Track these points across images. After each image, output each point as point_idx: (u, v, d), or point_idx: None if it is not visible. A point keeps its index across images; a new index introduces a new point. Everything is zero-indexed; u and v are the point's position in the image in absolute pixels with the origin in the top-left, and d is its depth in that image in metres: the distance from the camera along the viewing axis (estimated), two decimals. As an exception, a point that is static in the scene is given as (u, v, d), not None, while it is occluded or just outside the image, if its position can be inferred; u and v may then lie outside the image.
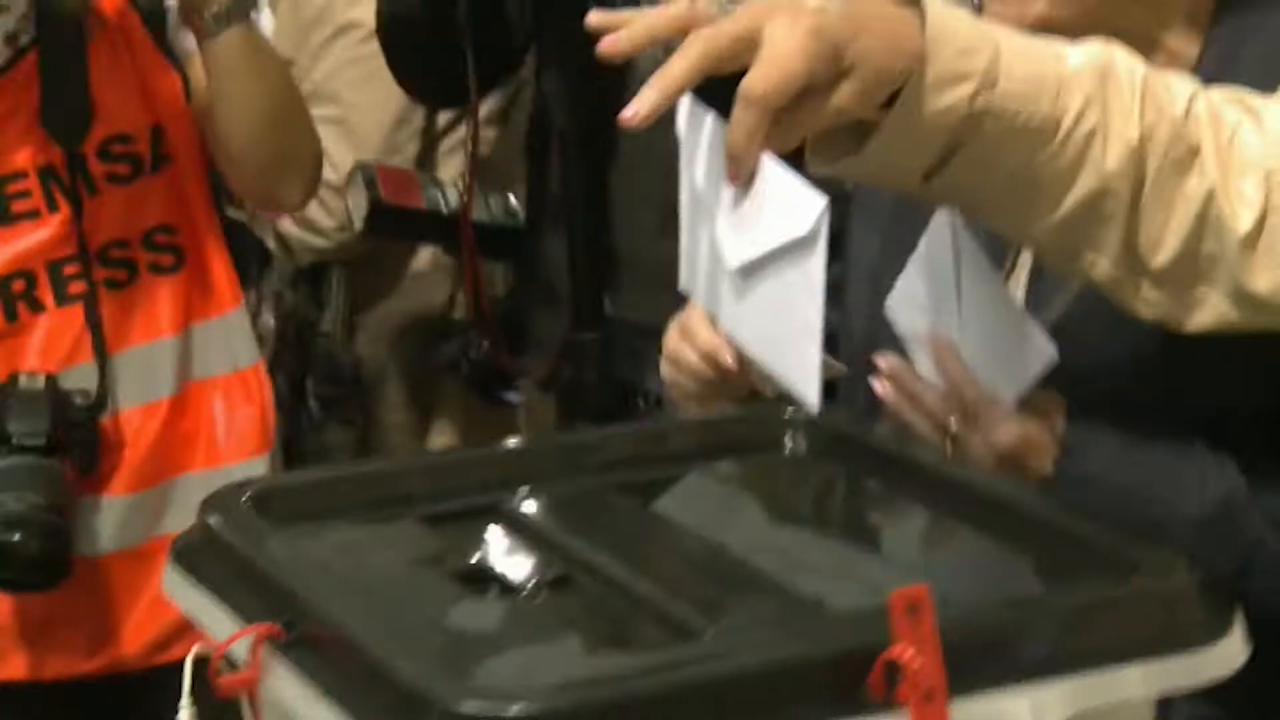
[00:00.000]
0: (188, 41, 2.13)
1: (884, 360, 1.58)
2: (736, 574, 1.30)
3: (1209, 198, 1.35)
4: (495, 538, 1.38)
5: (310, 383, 2.66)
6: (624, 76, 2.27)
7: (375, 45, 2.54)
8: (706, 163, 1.32)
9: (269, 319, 2.77)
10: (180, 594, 1.34)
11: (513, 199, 2.61)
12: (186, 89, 2.16)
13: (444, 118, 2.76)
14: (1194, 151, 1.36)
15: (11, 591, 2.05)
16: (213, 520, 1.35)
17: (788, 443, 1.56)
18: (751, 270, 1.30)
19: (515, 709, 1.04)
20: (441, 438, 2.85)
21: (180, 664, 2.06)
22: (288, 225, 2.57)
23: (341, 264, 2.75)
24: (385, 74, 2.51)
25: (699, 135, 1.33)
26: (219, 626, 1.26)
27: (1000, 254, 1.63)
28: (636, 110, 1.22)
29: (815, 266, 1.24)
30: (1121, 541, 1.29)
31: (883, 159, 1.30)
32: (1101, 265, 1.38)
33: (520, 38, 2.40)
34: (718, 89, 1.27)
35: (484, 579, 1.29)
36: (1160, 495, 1.55)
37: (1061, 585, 1.26)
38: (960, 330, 1.56)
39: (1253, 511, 1.54)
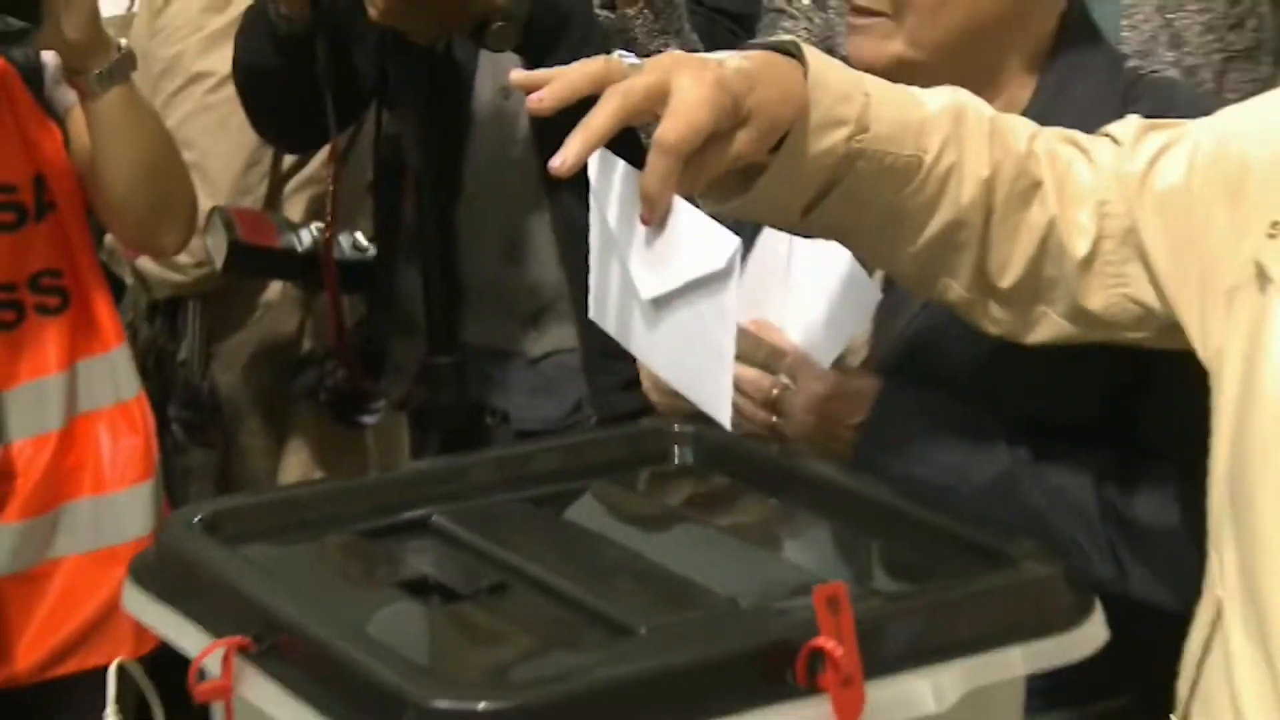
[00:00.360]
0: (65, 96, 2.17)
1: None
2: (654, 576, 1.37)
3: (1050, 227, 1.45)
4: (429, 550, 1.44)
5: (171, 409, 2.66)
6: (463, 119, 2.35)
7: (226, 93, 2.56)
8: (618, 205, 1.37)
9: (124, 350, 2.78)
10: (142, 611, 1.37)
11: (360, 235, 2.66)
12: (66, 141, 2.19)
13: (289, 160, 2.80)
14: (1036, 185, 1.45)
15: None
16: (169, 541, 1.40)
17: (676, 455, 1.63)
18: (664, 302, 1.36)
19: (484, 705, 1.11)
20: (296, 458, 2.89)
21: (71, 678, 2.13)
22: (146, 262, 2.59)
23: (197, 297, 2.77)
24: (236, 120, 2.54)
25: (610, 180, 1.37)
26: (185, 640, 1.31)
27: None
28: (564, 159, 1.29)
29: (728, 298, 1.30)
30: (996, 538, 1.38)
31: (769, 197, 1.38)
32: (955, 289, 1.48)
33: (367, 85, 2.43)
34: (623, 138, 1.34)
35: (427, 588, 1.35)
36: (953, 462, 1.65)
37: (950, 579, 1.32)
38: (789, 297, 1.64)
39: (1033, 483, 1.64)
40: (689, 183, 1.32)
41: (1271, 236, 1.32)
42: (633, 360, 2.34)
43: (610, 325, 1.46)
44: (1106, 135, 1.49)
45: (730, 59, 1.34)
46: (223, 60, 2.58)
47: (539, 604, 1.33)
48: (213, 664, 1.25)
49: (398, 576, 1.37)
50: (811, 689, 1.19)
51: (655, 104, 1.29)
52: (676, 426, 1.65)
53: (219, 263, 2.55)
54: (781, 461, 1.60)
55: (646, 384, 1.79)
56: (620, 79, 1.31)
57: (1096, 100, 1.70)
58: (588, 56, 2.16)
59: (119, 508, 2.26)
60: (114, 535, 2.26)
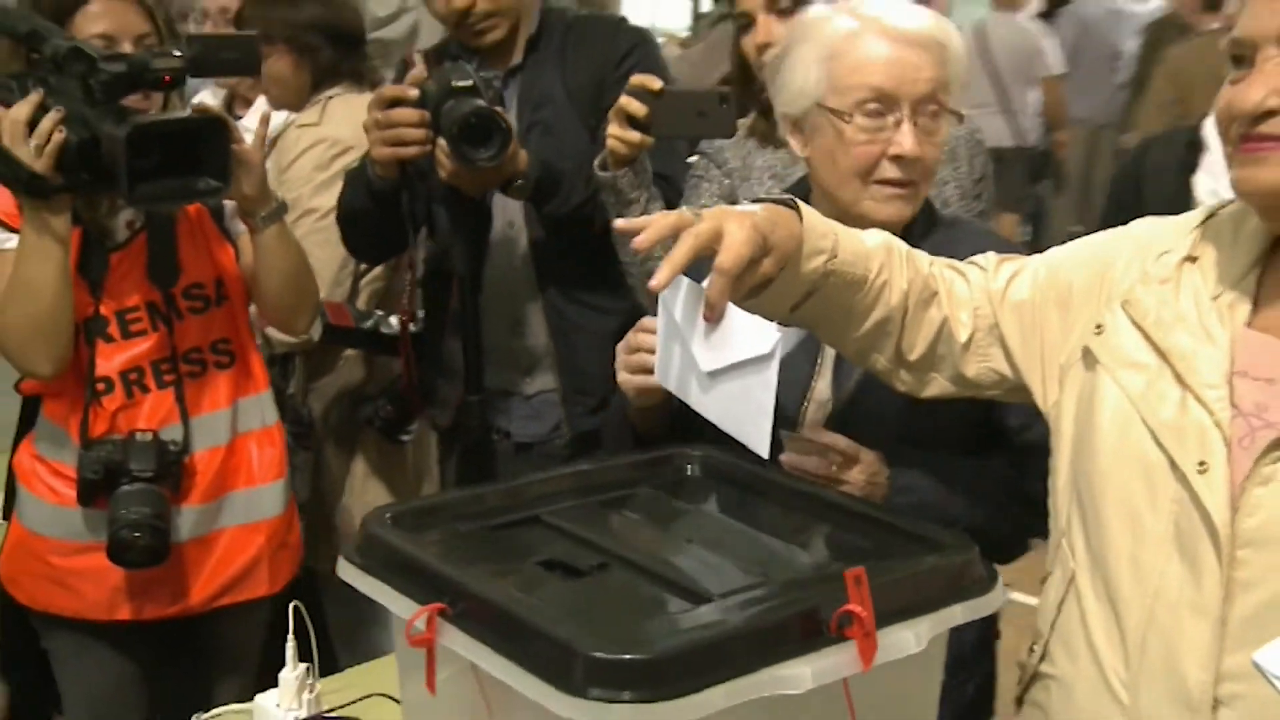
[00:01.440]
0: (237, 226, 2.07)
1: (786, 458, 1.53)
2: (705, 556, 1.26)
3: (943, 322, 1.40)
4: (547, 539, 1.31)
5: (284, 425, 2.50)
6: (485, 241, 2.22)
7: (328, 222, 2.43)
8: (682, 307, 1.29)
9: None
10: (357, 580, 1.24)
11: (394, 318, 2.58)
12: (237, 255, 2.09)
13: (364, 266, 2.66)
14: (934, 294, 1.40)
15: (131, 569, 1.96)
16: (374, 531, 1.26)
17: (689, 470, 1.51)
18: (719, 373, 1.28)
19: (630, 655, 1.01)
20: (360, 463, 2.74)
21: (226, 608, 2.02)
22: (272, 330, 2.44)
23: (302, 353, 2.62)
24: (334, 239, 2.40)
25: (678, 291, 1.29)
26: (393, 603, 1.19)
27: (814, 351, 1.61)
28: (659, 280, 1.21)
29: (771, 371, 1.24)
30: (930, 530, 1.29)
31: (773, 300, 1.31)
32: (881, 361, 1.42)
33: (419, 220, 2.31)
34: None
35: (554, 566, 1.23)
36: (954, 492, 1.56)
37: (910, 560, 1.24)
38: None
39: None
40: (733, 292, 1.24)
41: (1096, 333, 1.30)
42: (594, 395, 2.30)
43: (672, 385, 1.36)
44: (974, 264, 1.45)
45: (756, 210, 1.28)
46: (328, 200, 2.47)
47: (634, 578, 1.22)
48: (419, 623, 1.12)
49: (534, 557, 1.26)
50: (840, 639, 1.10)
51: (714, 241, 1.22)
52: (689, 450, 1.53)
53: (316, 336, 2.45)
54: (768, 475, 1.48)
55: (622, 375, 1.62)
56: (690, 226, 1.23)
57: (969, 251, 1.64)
58: (575, 202, 2.13)
59: (263, 496, 2.13)
60: (259, 514, 2.13)
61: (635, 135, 1.90)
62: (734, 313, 1.25)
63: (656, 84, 1.89)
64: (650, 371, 1.44)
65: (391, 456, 2.74)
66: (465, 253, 2.19)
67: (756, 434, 1.26)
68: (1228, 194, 1.92)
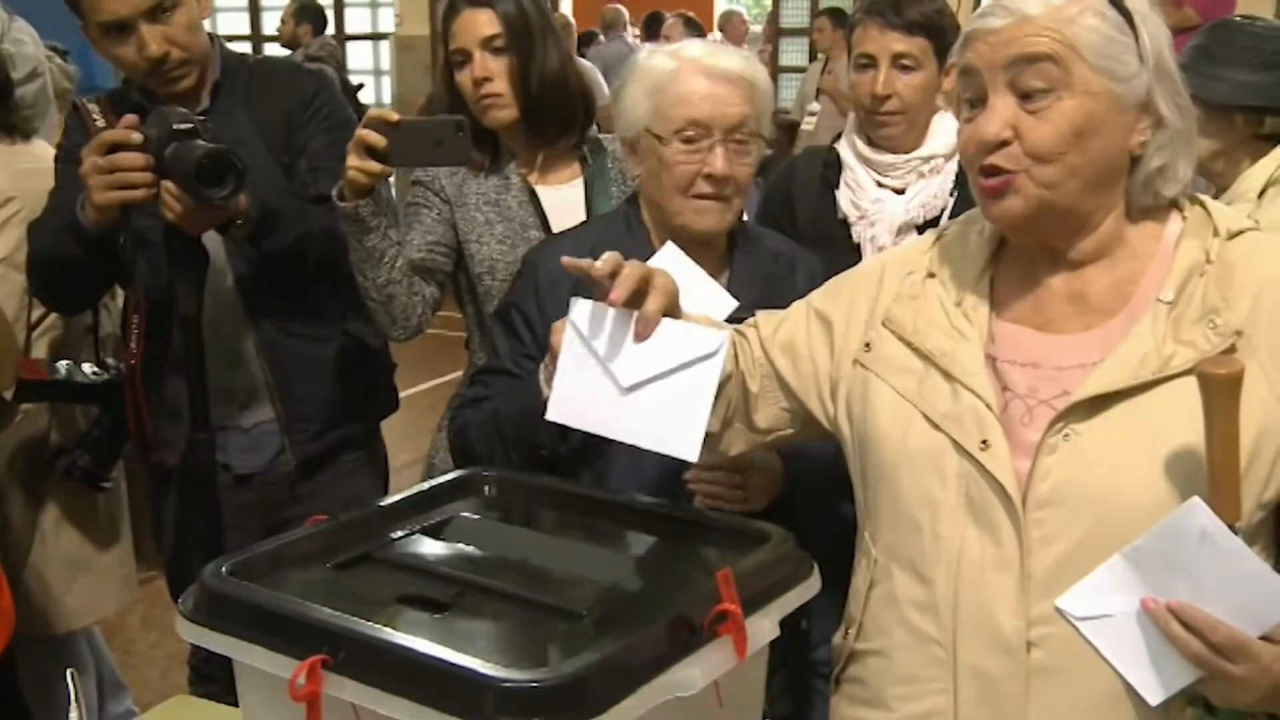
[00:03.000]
0: None
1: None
2: (551, 574, 1.28)
3: (742, 379, 1.53)
4: (393, 574, 1.29)
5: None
6: (203, 279, 2.14)
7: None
8: (605, 332, 1.34)
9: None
10: (202, 639, 1.18)
11: (86, 366, 2.42)
12: None
13: (36, 316, 2.49)
14: (736, 360, 1.53)
15: None
16: (215, 585, 1.20)
17: (488, 491, 1.53)
18: (640, 386, 1.33)
19: (542, 680, 1.02)
20: (51, 511, 2.55)
21: None
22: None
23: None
24: (3, 291, 2.29)
25: (599, 319, 1.34)
26: (257, 660, 1.13)
27: None
28: (646, 325, 1.33)
29: (715, 368, 1.31)
30: (755, 527, 1.38)
31: None
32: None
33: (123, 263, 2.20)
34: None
35: (414, 601, 1.21)
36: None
37: (749, 554, 1.30)
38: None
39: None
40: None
41: (866, 351, 1.45)
42: (316, 421, 2.28)
43: (573, 419, 1.38)
44: (753, 324, 1.57)
45: None
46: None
47: (496, 604, 1.22)
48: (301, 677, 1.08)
49: (389, 595, 1.23)
50: (713, 636, 1.16)
51: (647, 276, 1.35)
52: (482, 471, 1.55)
53: (9, 395, 2.28)
54: (558, 486, 1.53)
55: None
56: (659, 279, 1.36)
57: (768, 257, 1.88)
58: (294, 237, 2.11)
59: None
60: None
61: (375, 165, 1.92)
62: (666, 324, 1.32)
63: (394, 116, 1.92)
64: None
65: (82, 505, 2.58)
66: (187, 292, 2.11)
67: (685, 436, 1.30)
68: (867, 206, 2.24)
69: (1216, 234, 1.31)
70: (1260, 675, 1.17)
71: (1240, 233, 1.32)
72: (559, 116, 2.24)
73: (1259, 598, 1.16)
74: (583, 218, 2.20)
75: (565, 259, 1.38)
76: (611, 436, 1.34)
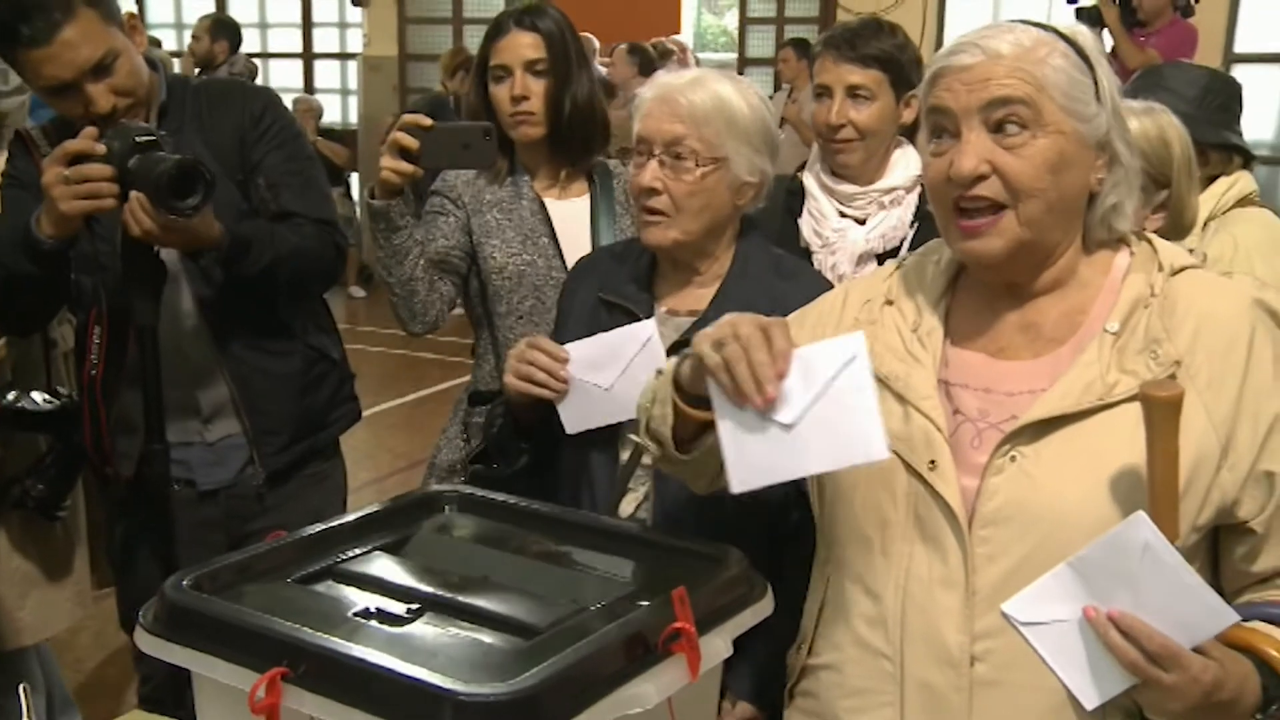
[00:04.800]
0: None
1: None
2: (509, 591, 1.30)
3: None
4: (351, 589, 1.31)
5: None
6: (160, 293, 2.15)
7: None
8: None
9: None
10: (162, 651, 1.19)
11: (37, 395, 2.40)
12: None
13: None
14: None
15: None
16: (175, 598, 1.21)
17: (448, 510, 1.55)
18: (802, 416, 1.27)
19: (500, 693, 1.05)
20: (4, 536, 2.49)
21: None
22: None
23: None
24: None
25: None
26: (217, 673, 1.15)
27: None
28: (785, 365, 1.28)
29: (863, 367, 1.26)
30: (710, 549, 1.41)
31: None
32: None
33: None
34: None
35: (373, 616, 1.24)
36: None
37: (703, 575, 1.33)
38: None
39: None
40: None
41: None
42: (283, 433, 2.29)
43: (759, 479, 1.29)
44: None
45: None
46: None
47: (454, 620, 1.25)
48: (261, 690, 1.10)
49: (348, 609, 1.26)
50: (667, 654, 1.19)
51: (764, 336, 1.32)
52: (443, 490, 1.58)
53: None
54: (521, 505, 1.55)
55: (510, 379, 1.78)
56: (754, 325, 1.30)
57: (765, 264, 1.85)
58: (265, 262, 2.12)
59: None
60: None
61: (407, 166, 2.05)
62: (799, 353, 1.28)
63: (426, 121, 2.05)
64: (534, 383, 1.72)
65: (38, 523, 2.54)
66: (144, 303, 2.11)
67: (866, 439, 1.25)
68: (829, 234, 2.28)
69: (1161, 269, 1.37)
70: (1190, 685, 1.21)
71: (1183, 269, 1.37)
72: (584, 139, 2.40)
73: (1194, 611, 1.21)
74: (587, 230, 2.37)
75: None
76: (802, 474, 1.32)
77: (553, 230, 2.36)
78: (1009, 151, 1.29)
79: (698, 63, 8.47)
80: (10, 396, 2.35)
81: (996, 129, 1.30)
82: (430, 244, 2.29)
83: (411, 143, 2.02)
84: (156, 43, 4.84)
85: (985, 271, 1.39)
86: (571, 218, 2.39)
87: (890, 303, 1.47)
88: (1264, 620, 1.27)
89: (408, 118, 2.06)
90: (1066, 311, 1.37)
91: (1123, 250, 1.40)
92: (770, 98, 6.29)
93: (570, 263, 2.22)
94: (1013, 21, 1.35)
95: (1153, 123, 2.01)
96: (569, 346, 1.75)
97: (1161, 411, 1.20)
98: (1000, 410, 1.34)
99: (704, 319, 1.76)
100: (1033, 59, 1.30)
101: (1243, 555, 1.32)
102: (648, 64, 7.31)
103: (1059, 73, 1.30)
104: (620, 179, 2.43)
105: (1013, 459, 1.31)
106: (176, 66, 7.19)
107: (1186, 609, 1.20)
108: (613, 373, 1.71)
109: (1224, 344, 1.30)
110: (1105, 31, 6.16)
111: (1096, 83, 1.32)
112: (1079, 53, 1.32)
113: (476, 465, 1.92)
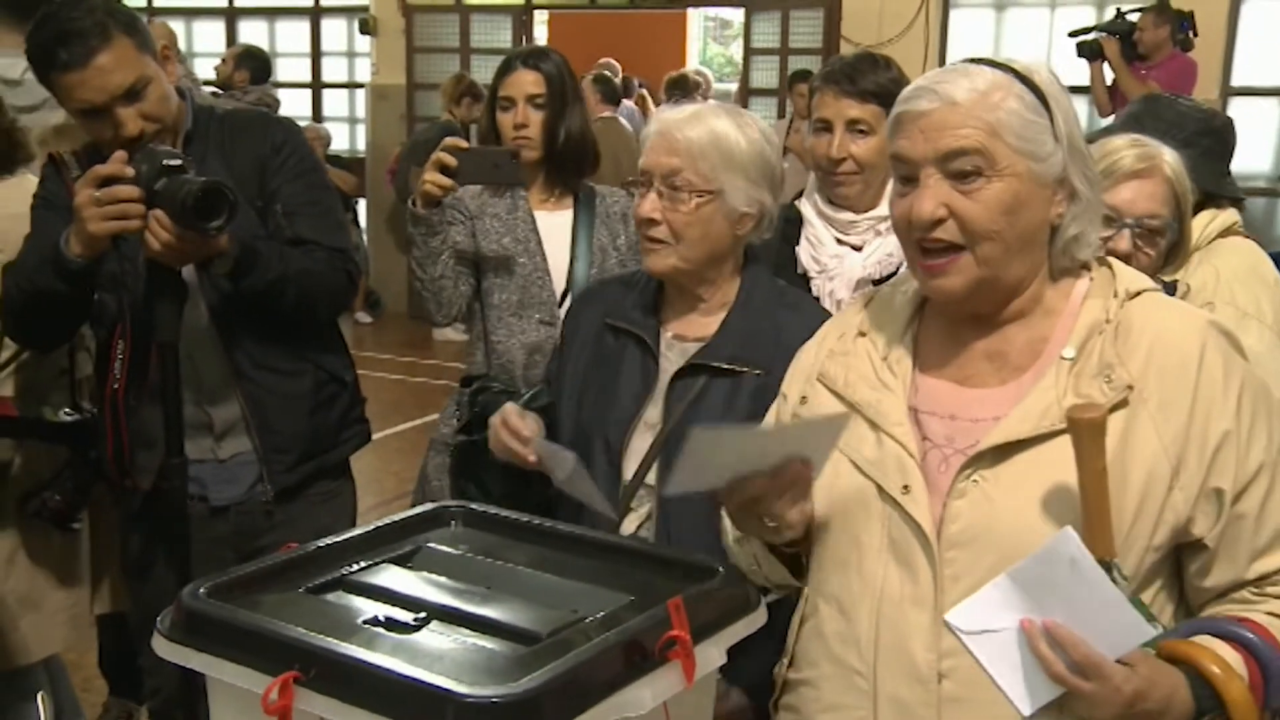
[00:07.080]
0: None
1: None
2: (512, 600, 1.35)
3: None
4: (360, 599, 1.36)
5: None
6: (182, 310, 2.21)
7: None
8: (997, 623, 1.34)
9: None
10: (179, 657, 1.24)
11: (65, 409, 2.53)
12: None
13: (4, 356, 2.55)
14: None
15: None
16: (193, 606, 1.26)
17: (454, 525, 1.60)
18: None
19: (502, 695, 1.09)
20: (22, 546, 2.58)
21: None
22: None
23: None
24: None
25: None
26: (232, 677, 1.20)
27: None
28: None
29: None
30: (706, 562, 1.45)
31: None
32: None
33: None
34: None
35: (381, 623, 1.29)
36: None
37: (699, 585, 1.37)
38: None
39: None
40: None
41: (802, 404, 1.55)
42: (292, 452, 2.36)
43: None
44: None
45: None
46: None
47: (459, 628, 1.30)
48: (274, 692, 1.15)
49: (358, 617, 1.30)
50: (663, 661, 1.24)
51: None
52: (449, 505, 1.63)
53: None
54: (524, 521, 1.60)
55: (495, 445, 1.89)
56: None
57: (769, 294, 1.92)
58: (272, 277, 2.19)
59: None
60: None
61: (446, 180, 2.46)
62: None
63: (464, 144, 2.49)
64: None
65: (38, 543, 2.60)
66: (167, 319, 2.19)
67: (1124, 630, 1.27)
68: (827, 261, 2.34)
69: (1117, 295, 1.41)
70: (1112, 694, 1.26)
71: (1140, 293, 1.41)
72: (575, 164, 2.82)
73: (1116, 624, 1.27)
74: (568, 240, 2.74)
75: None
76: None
77: (539, 237, 2.73)
78: (965, 196, 1.35)
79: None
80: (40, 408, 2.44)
81: (953, 175, 1.36)
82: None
83: (452, 161, 2.43)
84: (194, 78, 4.92)
85: (948, 306, 1.45)
86: (556, 228, 2.76)
87: (863, 334, 1.53)
88: (1212, 634, 1.33)
89: (449, 141, 2.47)
90: (1031, 339, 1.43)
91: (1084, 276, 1.45)
92: (773, 125, 6.36)
93: (553, 264, 2.69)
94: (969, 62, 1.40)
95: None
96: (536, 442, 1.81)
97: (1086, 433, 1.27)
98: (965, 436, 1.40)
99: (711, 345, 1.85)
100: (987, 105, 1.35)
101: (1196, 571, 1.38)
102: (610, 93, 7.76)
103: (1013, 115, 1.35)
104: (604, 199, 2.81)
105: (975, 483, 1.36)
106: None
107: (1109, 622, 1.27)
108: (566, 470, 1.75)
109: (1175, 365, 1.35)
110: (1106, 65, 6.26)
111: (1053, 121, 1.37)
112: (1036, 92, 1.37)
113: (460, 436, 2.17)
